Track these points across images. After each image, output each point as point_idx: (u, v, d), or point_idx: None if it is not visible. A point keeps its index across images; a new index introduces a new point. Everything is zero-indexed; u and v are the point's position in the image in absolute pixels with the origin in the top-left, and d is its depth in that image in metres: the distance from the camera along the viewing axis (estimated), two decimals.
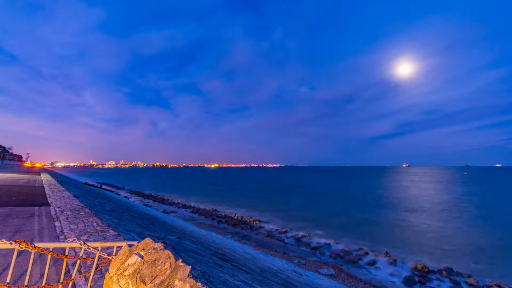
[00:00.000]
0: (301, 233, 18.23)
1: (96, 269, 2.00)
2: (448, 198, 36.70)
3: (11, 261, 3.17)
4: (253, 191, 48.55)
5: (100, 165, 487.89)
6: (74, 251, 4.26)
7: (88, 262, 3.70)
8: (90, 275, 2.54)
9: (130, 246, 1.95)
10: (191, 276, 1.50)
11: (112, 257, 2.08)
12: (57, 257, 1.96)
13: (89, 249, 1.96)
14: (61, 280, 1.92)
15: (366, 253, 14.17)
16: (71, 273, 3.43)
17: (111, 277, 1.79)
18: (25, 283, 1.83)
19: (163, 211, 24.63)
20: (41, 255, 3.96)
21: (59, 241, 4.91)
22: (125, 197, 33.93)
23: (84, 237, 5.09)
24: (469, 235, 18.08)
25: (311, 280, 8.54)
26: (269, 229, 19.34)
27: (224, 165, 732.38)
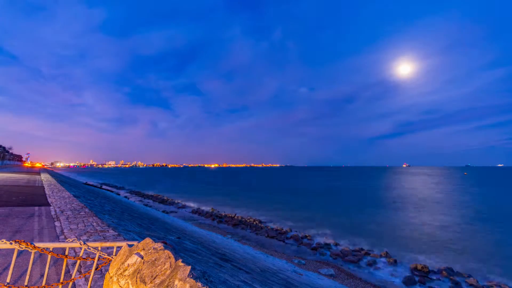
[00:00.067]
0: (301, 233, 18.23)
1: (96, 269, 2.00)
2: (448, 198, 36.70)
3: (11, 261, 3.17)
4: (253, 191, 48.55)
5: (100, 165, 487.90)
6: (74, 251, 4.26)
7: (88, 262, 3.70)
8: (90, 275, 2.54)
9: (130, 246, 1.95)
10: (191, 276, 1.50)
11: (112, 257, 2.08)
12: (57, 257, 1.96)
13: (89, 249, 1.96)
14: (61, 280, 1.92)
15: (366, 253, 14.17)
16: (71, 273, 3.43)
17: (111, 277, 1.79)
18: (25, 283, 1.82)
19: (163, 211, 24.63)
20: (41, 255, 3.96)
21: (59, 241, 4.91)
22: (125, 197, 33.93)
23: (84, 237, 5.09)
24: (469, 235, 18.08)
25: (311, 280, 8.54)
26: (269, 229, 19.34)
27: (224, 165, 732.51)
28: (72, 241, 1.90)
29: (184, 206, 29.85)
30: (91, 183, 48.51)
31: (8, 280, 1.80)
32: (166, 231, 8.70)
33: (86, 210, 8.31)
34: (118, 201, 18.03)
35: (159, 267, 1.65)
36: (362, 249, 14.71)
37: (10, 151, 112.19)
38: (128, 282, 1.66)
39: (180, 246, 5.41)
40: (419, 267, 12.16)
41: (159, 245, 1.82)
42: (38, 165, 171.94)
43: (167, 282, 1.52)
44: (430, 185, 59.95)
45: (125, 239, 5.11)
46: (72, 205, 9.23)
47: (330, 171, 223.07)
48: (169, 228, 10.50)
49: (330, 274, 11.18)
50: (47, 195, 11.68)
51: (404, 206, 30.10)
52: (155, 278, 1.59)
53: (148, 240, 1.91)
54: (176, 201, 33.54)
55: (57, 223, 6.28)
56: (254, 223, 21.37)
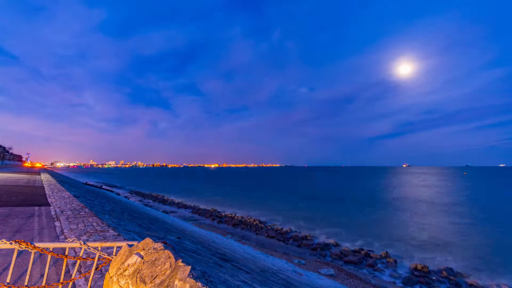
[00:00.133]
0: (301, 233, 18.23)
1: (96, 269, 2.00)
2: (447, 198, 36.69)
3: (11, 261, 3.17)
4: (253, 191, 48.55)
5: (100, 165, 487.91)
6: (74, 251, 4.26)
7: (88, 262, 3.70)
8: (90, 275, 2.54)
9: (130, 246, 1.95)
10: (191, 276, 1.50)
11: (112, 257, 2.08)
12: (57, 257, 1.96)
13: (89, 249, 1.96)
14: (61, 280, 1.92)
15: (366, 254, 14.17)
16: (71, 273, 3.43)
17: (111, 277, 1.79)
18: (25, 283, 1.82)
19: (163, 211, 24.63)
20: (41, 255, 3.96)
21: (59, 241, 4.91)
22: (125, 197, 33.92)
23: (84, 237, 5.09)
24: (469, 235, 18.08)
25: (311, 280, 8.54)
26: (269, 229, 19.34)
27: (224, 165, 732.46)
28: (72, 241, 1.90)
29: (184, 206, 29.84)
30: (91, 183, 48.51)
31: (8, 280, 1.80)
32: (166, 231, 8.70)
33: (86, 210, 8.31)
34: (118, 201, 18.03)
35: (159, 267, 1.65)
36: (362, 249, 14.71)
37: (10, 151, 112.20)
38: (128, 282, 1.66)
39: (180, 246, 5.41)
40: (419, 267, 12.16)
41: (159, 245, 1.82)
42: (38, 165, 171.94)
43: (167, 282, 1.52)
44: (430, 185, 59.94)
45: (125, 239, 5.11)
46: (72, 205, 9.23)
47: (330, 171, 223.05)
48: (169, 228, 10.50)
49: (330, 274, 11.17)
50: (47, 195, 11.68)
51: (404, 206, 30.10)
52: (155, 278, 1.59)
53: (148, 240, 1.91)
54: (176, 201, 33.53)
55: (57, 223, 6.28)
56: (254, 223, 21.36)
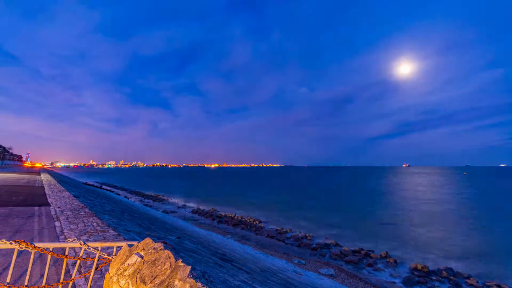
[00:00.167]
0: (301, 233, 18.23)
1: (96, 269, 2.00)
2: (447, 198, 36.69)
3: (11, 261, 3.17)
4: (253, 191, 48.55)
5: (100, 165, 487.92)
6: (74, 251, 4.26)
7: (88, 262, 3.70)
8: (90, 275, 2.53)
9: (130, 246, 1.95)
10: (191, 276, 1.50)
11: (112, 257, 2.08)
12: (57, 257, 1.96)
13: (89, 249, 1.96)
14: (61, 280, 1.92)
15: (366, 254, 14.17)
16: (71, 273, 3.43)
17: (111, 277, 1.79)
18: (25, 283, 1.82)
19: (163, 211, 24.63)
20: (41, 255, 3.96)
21: (59, 241, 4.91)
22: (125, 197, 33.92)
23: (84, 237, 5.09)
24: (468, 235, 18.08)
25: (311, 280, 8.54)
26: (269, 229, 19.34)
27: (224, 165, 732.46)
28: (72, 241, 1.90)
29: (184, 206, 29.85)
30: (91, 183, 48.52)
31: (8, 280, 1.80)
32: (166, 231, 8.70)
33: (86, 210, 8.31)
34: (118, 201, 18.03)
35: (159, 267, 1.65)
36: (362, 249, 14.71)
37: (10, 151, 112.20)
38: (128, 282, 1.66)
39: (180, 246, 5.41)
40: (419, 267, 12.16)
41: (159, 245, 1.82)
42: (38, 165, 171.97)
43: (167, 282, 1.52)
44: (429, 185, 59.94)
45: (125, 239, 5.11)
46: (72, 205, 9.23)
47: (330, 171, 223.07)
48: (169, 228, 10.50)
49: (330, 274, 11.17)
50: (47, 195, 11.68)
51: (403, 206, 30.10)
52: (155, 278, 1.59)
53: (148, 240, 1.91)
54: (176, 201, 33.55)
55: (57, 223, 6.28)
56: (254, 223, 21.36)
